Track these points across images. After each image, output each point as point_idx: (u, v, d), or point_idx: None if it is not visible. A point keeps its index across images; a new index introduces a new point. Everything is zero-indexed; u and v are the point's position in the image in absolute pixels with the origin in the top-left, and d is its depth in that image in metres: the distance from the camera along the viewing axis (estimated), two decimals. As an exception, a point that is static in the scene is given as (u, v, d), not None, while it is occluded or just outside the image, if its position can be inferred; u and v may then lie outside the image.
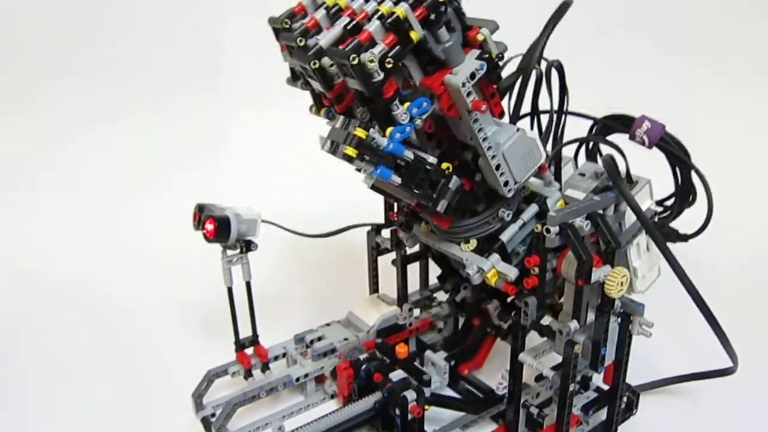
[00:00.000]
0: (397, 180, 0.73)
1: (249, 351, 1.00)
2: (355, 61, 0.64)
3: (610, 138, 0.87)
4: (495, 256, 0.82)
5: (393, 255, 1.06)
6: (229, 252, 0.94)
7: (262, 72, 1.62)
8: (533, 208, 0.85)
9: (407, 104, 0.70)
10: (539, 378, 0.95)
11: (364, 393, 0.93)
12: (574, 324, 0.79)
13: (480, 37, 0.73)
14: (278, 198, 1.36)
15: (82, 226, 1.53)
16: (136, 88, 1.67)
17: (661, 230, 0.91)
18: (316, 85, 0.75)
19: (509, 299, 0.92)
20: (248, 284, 0.96)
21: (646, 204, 0.85)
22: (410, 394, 0.87)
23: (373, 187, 0.85)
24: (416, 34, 0.67)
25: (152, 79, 1.67)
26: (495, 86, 0.78)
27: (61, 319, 1.24)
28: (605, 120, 0.88)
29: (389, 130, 0.70)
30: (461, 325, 1.08)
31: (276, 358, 1.03)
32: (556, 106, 0.89)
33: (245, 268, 0.95)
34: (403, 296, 1.08)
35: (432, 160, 0.77)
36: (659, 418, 0.97)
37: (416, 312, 1.09)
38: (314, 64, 0.69)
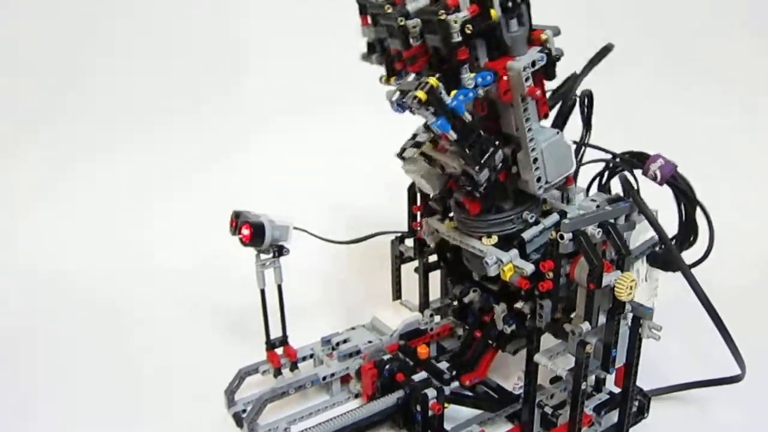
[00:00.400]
0: (453, 135, 0.78)
1: (279, 351, 1.06)
2: (442, 17, 0.73)
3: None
4: (514, 251, 0.87)
5: (415, 263, 1.12)
6: (263, 256, 1.00)
7: (287, 77, 1.73)
8: (554, 217, 0.91)
9: (473, 74, 0.77)
10: (554, 380, 1.00)
11: (387, 391, 0.98)
12: (586, 325, 0.84)
13: (543, 37, 0.80)
14: (303, 205, 1.43)
15: (114, 233, 1.60)
16: (152, 95, 1.73)
17: (662, 257, 0.96)
18: (396, 46, 0.81)
19: (515, 305, 0.96)
20: (279, 287, 1.03)
21: (649, 234, 0.90)
22: (431, 392, 0.92)
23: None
24: (495, 13, 0.76)
25: (172, 83, 1.73)
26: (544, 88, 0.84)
27: (96, 324, 1.31)
28: (623, 155, 0.94)
29: (454, 92, 0.77)
30: (464, 337, 1.11)
31: (304, 358, 1.09)
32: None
33: (277, 271, 1.02)
34: (424, 302, 1.14)
35: None
36: (669, 423, 1.01)
37: (437, 318, 1.15)
38: (401, 21, 0.76)
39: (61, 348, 1.24)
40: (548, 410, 0.95)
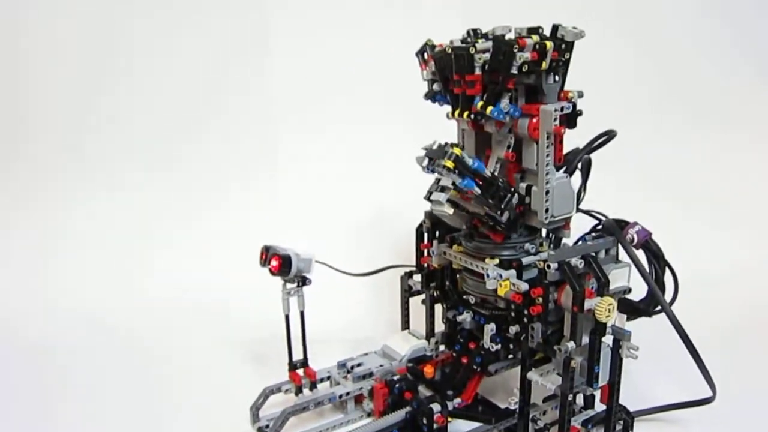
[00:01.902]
0: (477, 191, 0.96)
1: (300, 372, 1.18)
2: (515, 48, 0.91)
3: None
4: (512, 271, 1.00)
5: (423, 296, 1.25)
6: (288, 285, 1.14)
7: (305, 109, 1.81)
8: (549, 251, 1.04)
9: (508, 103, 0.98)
10: (547, 399, 1.12)
11: (397, 408, 1.10)
12: (571, 344, 0.97)
13: (570, 95, 1.00)
14: (323, 236, 1.58)
15: (135, 265, 1.73)
16: (163, 125, 1.82)
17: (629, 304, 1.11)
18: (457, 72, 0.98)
19: (506, 331, 1.07)
20: (302, 313, 1.16)
21: (621, 282, 1.04)
22: (436, 407, 1.04)
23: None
24: (545, 64, 0.95)
25: (185, 115, 1.82)
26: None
27: (122, 352, 1.43)
28: (609, 219, 1.08)
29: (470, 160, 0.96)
30: (451, 363, 1.21)
31: (322, 380, 1.21)
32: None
33: (300, 299, 1.15)
34: (430, 332, 1.26)
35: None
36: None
37: (441, 347, 1.27)
38: (472, 49, 0.94)
39: (88, 374, 1.35)
40: (540, 424, 1.06)
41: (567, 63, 0.99)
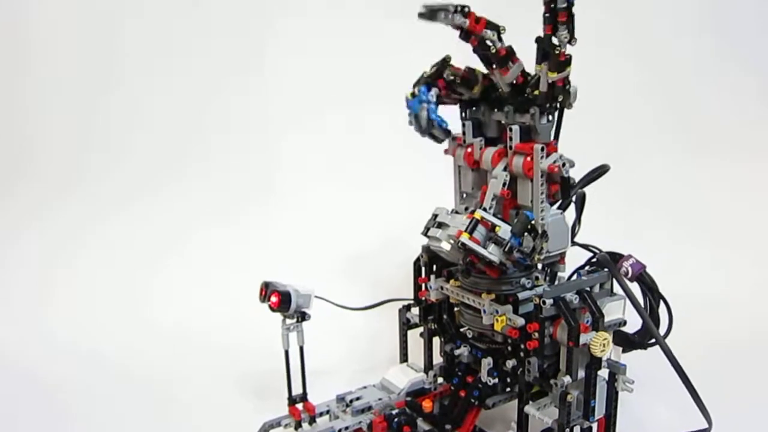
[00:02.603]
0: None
1: (299, 406, 1.19)
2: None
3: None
4: (508, 307, 1.02)
5: (421, 329, 1.27)
6: (288, 321, 1.15)
7: (304, 139, 1.84)
8: (543, 287, 1.06)
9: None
10: (544, 432, 1.13)
11: (396, 442, 1.11)
12: (567, 378, 0.99)
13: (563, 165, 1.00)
14: (322, 270, 1.59)
15: (133, 297, 1.73)
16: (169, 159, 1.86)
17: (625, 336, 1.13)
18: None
19: (504, 366, 1.08)
20: (301, 348, 1.17)
21: (616, 315, 1.06)
22: (435, 440, 1.05)
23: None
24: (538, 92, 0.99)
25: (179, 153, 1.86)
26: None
27: (121, 386, 1.43)
28: (603, 253, 1.11)
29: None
30: (450, 397, 1.23)
31: (321, 414, 1.21)
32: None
33: (300, 335, 1.16)
34: (428, 365, 1.27)
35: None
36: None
37: (440, 379, 1.28)
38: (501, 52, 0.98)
39: (85, 405, 1.36)
40: (538, 455, 1.07)
41: (559, 107, 1.01)
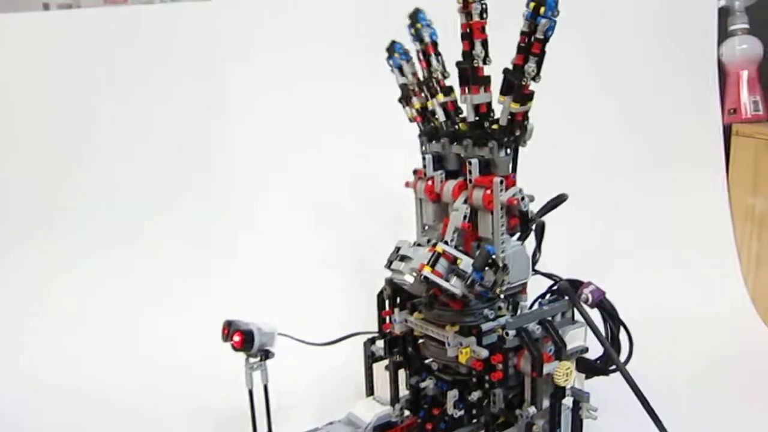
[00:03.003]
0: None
1: (265, 446, 1.18)
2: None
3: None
4: (472, 338, 1.02)
5: (386, 362, 1.26)
6: (251, 360, 1.14)
7: (268, 172, 1.83)
8: (507, 317, 1.07)
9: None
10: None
11: (364, 478, 1.10)
12: (532, 409, 1.00)
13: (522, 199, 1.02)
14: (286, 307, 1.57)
15: (103, 336, 1.70)
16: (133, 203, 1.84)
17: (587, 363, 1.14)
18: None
19: (469, 397, 1.08)
20: (266, 387, 1.16)
21: (578, 342, 1.08)
22: (403, 476, 1.04)
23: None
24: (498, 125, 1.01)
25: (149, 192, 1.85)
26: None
27: (82, 416, 1.41)
28: (564, 281, 1.12)
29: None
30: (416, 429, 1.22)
31: (287, 453, 1.20)
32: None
33: (264, 373, 1.15)
34: (395, 397, 1.26)
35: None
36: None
37: (407, 412, 1.27)
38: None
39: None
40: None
41: (516, 141, 1.03)
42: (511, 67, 0.98)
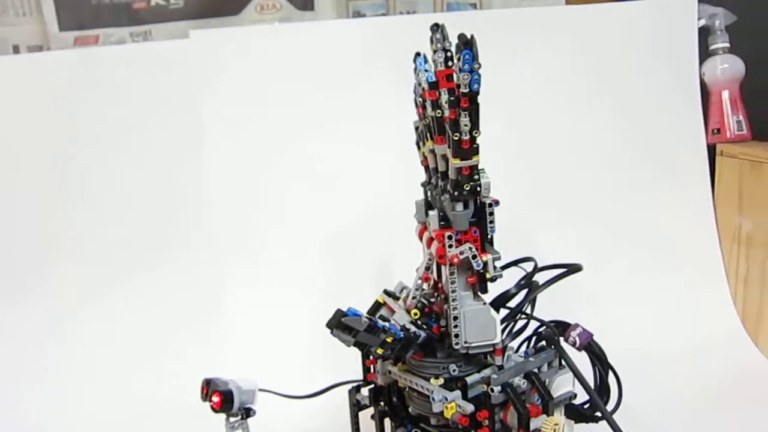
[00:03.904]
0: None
1: (249, 507, 1.14)
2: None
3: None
4: (457, 392, 0.99)
5: (371, 410, 1.23)
6: (231, 419, 1.10)
7: (249, 214, 1.78)
8: (492, 369, 1.03)
9: None
10: None
11: None
12: (520, 464, 0.97)
13: (484, 258, 0.97)
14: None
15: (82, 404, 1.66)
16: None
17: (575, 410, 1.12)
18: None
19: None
20: (248, 446, 1.12)
21: (565, 389, 1.05)
22: None
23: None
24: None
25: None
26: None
27: None
28: (550, 322, 1.10)
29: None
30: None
31: None
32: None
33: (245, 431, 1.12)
34: (382, 447, 1.24)
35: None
36: None
37: (394, 460, 1.24)
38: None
39: None
40: None
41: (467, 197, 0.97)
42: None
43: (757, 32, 1.91)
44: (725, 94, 1.88)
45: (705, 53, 1.91)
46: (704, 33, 1.90)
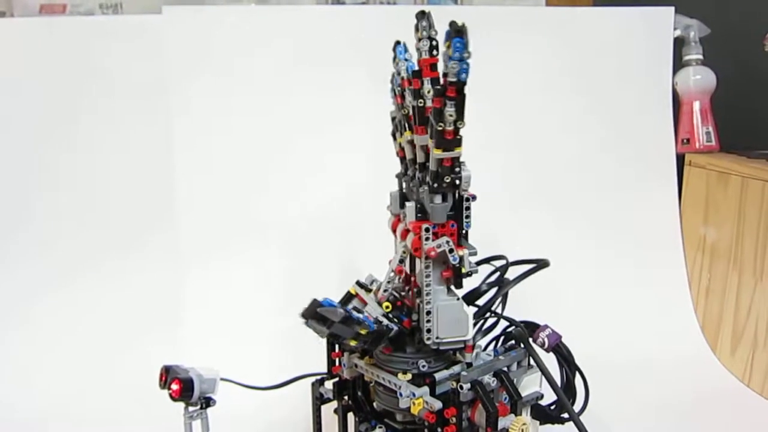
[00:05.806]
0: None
1: (207, 501, 1.10)
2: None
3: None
4: (425, 389, 0.97)
5: (335, 404, 1.21)
6: (191, 408, 1.07)
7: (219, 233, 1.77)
8: (461, 366, 1.02)
9: None
10: None
11: None
12: (486, 463, 0.95)
13: (460, 253, 0.95)
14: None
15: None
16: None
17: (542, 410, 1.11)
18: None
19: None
20: (206, 437, 1.09)
21: (533, 389, 1.05)
22: None
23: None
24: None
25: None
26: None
27: None
28: (520, 325, 1.09)
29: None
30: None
31: (229, 504, 1.13)
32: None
33: (204, 422, 1.07)
34: (344, 441, 1.21)
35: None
36: None
37: (356, 455, 1.22)
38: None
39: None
40: None
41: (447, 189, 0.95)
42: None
43: (730, 46, 1.94)
44: (696, 105, 1.91)
45: (678, 64, 1.93)
46: (678, 44, 1.93)
